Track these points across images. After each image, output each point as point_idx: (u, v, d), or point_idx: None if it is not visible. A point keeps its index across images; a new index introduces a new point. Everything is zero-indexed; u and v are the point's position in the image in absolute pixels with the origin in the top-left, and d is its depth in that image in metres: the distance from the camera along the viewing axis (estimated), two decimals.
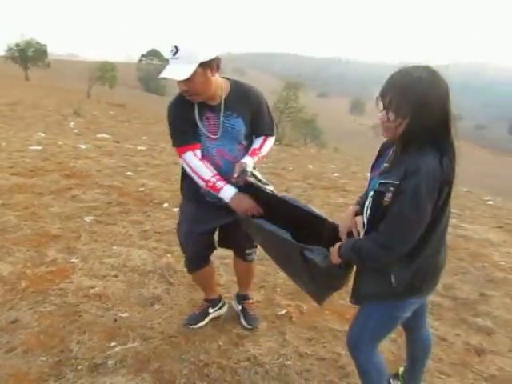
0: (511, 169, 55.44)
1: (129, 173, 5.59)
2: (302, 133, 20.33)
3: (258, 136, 2.08)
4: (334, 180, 7.86)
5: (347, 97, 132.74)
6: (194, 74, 1.72)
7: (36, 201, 4.05)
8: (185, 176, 2.05)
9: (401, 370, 2.00)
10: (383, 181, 1.39)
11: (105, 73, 35.66)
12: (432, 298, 2.95)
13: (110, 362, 1.99)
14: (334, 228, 1.68)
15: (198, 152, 1.92)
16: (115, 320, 2.34)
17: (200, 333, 2.33)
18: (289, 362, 2.17)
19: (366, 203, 1.48)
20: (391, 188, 1.34)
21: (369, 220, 1.46)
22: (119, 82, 40.82)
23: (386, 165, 1.46)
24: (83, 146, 7.41)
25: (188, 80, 1.73)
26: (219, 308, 2.49)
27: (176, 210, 4.34)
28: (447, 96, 1.32)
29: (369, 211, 1.45)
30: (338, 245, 1.54)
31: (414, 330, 1.83)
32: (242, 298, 2.52)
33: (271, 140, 2.12)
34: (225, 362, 2.11)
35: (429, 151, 1.34)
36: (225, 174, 1.92)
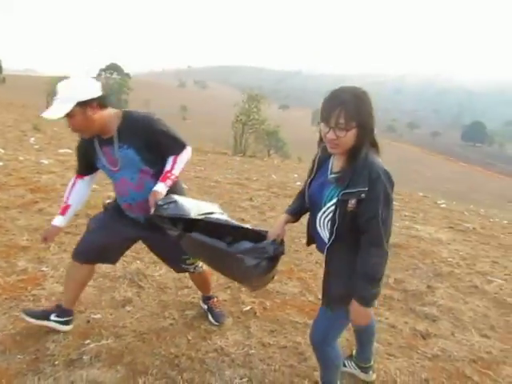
0: (464, 173, 58.46)
1: (95, 186, 5.65)
2: (265, 144, 20.72)
3: (167, 157, 2.12)
4: (297, 188, 8.18)
5: (308, 108, 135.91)
6: (73, 112, 1.88)
7: (2, 214, 4.07)
8: None
9: (354, 351, 2.26)
10: (349, 190, 1.52)
11: None
12: (383, 291, 3.26)
13: (85, 357, 2.13)
14: (261, 236, 1.87)
15: (86, 178, 2.29)
16: (88, 321, 2.47)
17: (170, 329, 2.50)
18: (253, 351, 2.38)
19: (322, 215, 1.64)
20: (362, 195, 1.49)
21: (337, 229, 1.57)
22: None
23: (334, 176, 1.61)
24: (46, 161, 7.36)
25: (69, 117, 1.91)
26: (62, 322, 2.32)
27: None
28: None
29: (336, 221, 1.56)
30: (354, 304, 1.60)
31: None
32: (206, 299, 2.71)
33: (183, 155, 2.13)
34: (194, 354, 2.29)
35: (374, 155, 1.55)
36: (132, 201, 2.14)
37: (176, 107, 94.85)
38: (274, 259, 1.81)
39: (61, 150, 9.52)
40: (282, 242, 1.84)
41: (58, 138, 12.53)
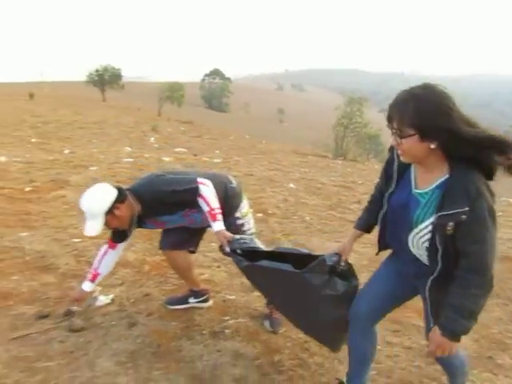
0: None
1: None
2: (365, 148, 20.19)
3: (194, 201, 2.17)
4: None
5: None
6: (107, 221, 2.09)
7: None
8: None
9: None
10: (445, 212, 1.32)
11: (173, 92, 38.02)
12: None
13: (226, 331, 2.39)
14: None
15: (118, 246, 2.41)
16: (224, 301, 2.76)
17: None
18: (379, 347, 2.43)
19: (415, 237, 1.45)
20: (462, 216, 1.28)
21: (442, 256, 1.39)
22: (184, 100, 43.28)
23: (419, 192, 1.43)
24: (167, 159, 8.17)
25: (107, 225, 2.12)
26: (201, 301, 2.63)
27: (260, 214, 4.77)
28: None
29: (439, 249, 1.38)
30: (437, 334, 1.43)
31: None
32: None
33: (204, 191, 2.14)
34: None
35: (466, 167, 1.32)
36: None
37: (273, 110, 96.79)
38: (341, 277, 1.76)
39: (176, 149, 10.44)
40: (345, 260, 1.81)
41: (173, 138, 13.75)
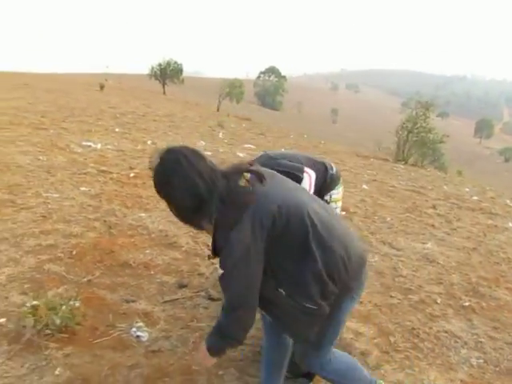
0: None
1: None
2: (421, 153, 19.57)
3: None
4: (476, 202, 7.82)
5: (471, 118, 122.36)
6: None
7: None
8: None
9: None
10: None
11: (233, 89, 38.92)
12: None
13: None
14: None
15: None
16: None
17: (399, 307, 2.91)
18: (482, 340, 2.62)
19: None
20: None
21: None
22: None
23: None
24: (241, 154, 8.58)
25: None
26: None
27: (343, 212, 4.97)
28: None
29: None
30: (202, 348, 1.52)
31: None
32: None
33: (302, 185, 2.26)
34: (428, 330, 2.65)
35: None
36: None
37: (327, 110, 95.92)
38: None
39: (246, 145, 10.85)
40: None
41: (238, 134, 14.19)
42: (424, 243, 4.41)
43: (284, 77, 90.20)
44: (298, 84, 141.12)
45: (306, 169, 2.35)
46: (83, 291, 2.51)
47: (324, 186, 2.47)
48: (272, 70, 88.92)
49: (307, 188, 2.28)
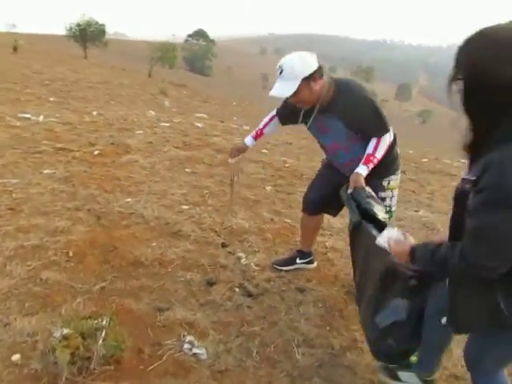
0: None
1: (264, 150, 6.15)
2: None
3: (369, 138, 2.15)
4: (431, 165, 8.17)
5: (392, 81, 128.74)
6: (299, 88, 1.99)
7: (209, 170, 4.66)
8: None
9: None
10: (465, 177, 1.14)
11: (165, 53, 36.63)
12: None
13: None
14: None
15: (279, 122, 2.48)
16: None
17: None
18: None
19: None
20: (467, 186, 1.10)
21: (451, 224, 1.24)
22: None
23: None
24: (199, 125, 8.03)
25: (294, 94, 2.02)
26: (306, 262, 2.72)
27: None
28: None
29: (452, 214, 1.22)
30: (408, 245, 1.34)
31: None
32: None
33: (385, 139, 2.14)
34: None
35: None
36: (341, 160, 2.29)
37: (257, 75, 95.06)
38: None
39: (197, 115, 10.24)
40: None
41: (183, 102, 13.43)
42: (417, 211, 4.42)
43: (213, 41, 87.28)
44: (226, 48, 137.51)
45: (390, 127, 2.17)
46: (104, 303, 2.07)
47: (387, 163, 2.23)
48: (200, 34, 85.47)
49: (383, 148, 2.13)
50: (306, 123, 2.28)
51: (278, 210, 3.77)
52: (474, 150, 1.12)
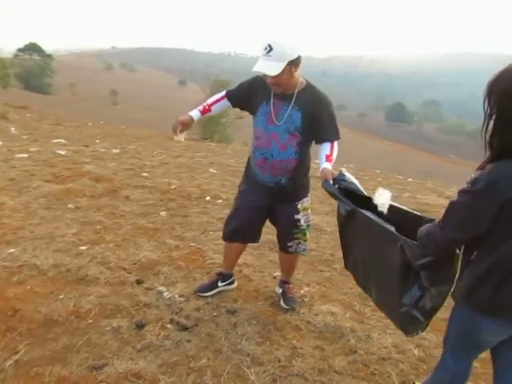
0: (391, 152, 63.07)
1: (144, 174, 5.97)
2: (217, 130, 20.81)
3: (323, 141, 2.29)
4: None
5: None
6: (283, 70, 2.05)
7: (95, 202, 4.36)
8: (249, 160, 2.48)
9: None
10: None
11: None
12: None
13: (305, 299, 2.74)
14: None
15: (228, 103, 2.45)
16: (274, 278, 3.06)
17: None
18: None
19: None
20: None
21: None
22: None
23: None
24: (62, 152, 7.33)
25: (275, 79, 2.09)
26: (228, 283, 2.74)
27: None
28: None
29: None
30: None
31: (499, 365, 1.52)
32: (283, 283, 2.73)
33: (336, 145, 2.29)
34: None
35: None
36: (270, 157, 2.28)
37: (105, 91, 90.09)
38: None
39: (55, 140, 9.30)
40: None
41: (32, 127, 11.98)
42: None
43: (50, 56, 79.62)
44: (67, 63, 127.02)
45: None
46: (26, 379, 1.80)
47: (304, 183, 2.45)
48: (33, 48, 77.10)
49: (336, 153, 2.28)
50: (256, 109, 2.30)
51: (179, 235, 3.74)
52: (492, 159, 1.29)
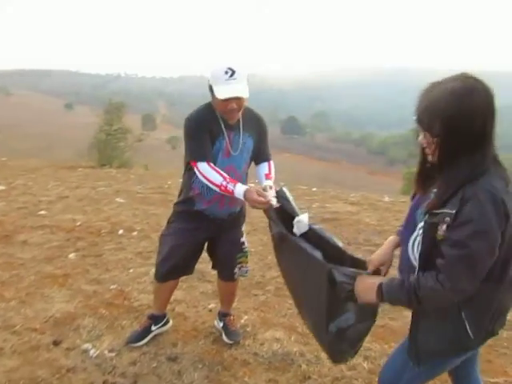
0: (290, 163, 66.41)
1: (41, 212, 5.32)
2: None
3: (261, 161, 2.28)
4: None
5: (136, 113, 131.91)
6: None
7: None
8: (184, 188, 2.26)
9: None
10: (436, 211, 1.19)
11: None
12: None
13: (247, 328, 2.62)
14: (353, 262, 1.55)
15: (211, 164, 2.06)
16: (210, 310, 2.89)
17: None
18: None
19: (413, 236, 1.32)
20: (447, 218, 1.16)
21: (421, 255, 1.25)
22: None
23: (434, 191, 1.27)
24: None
25: (238, 100, 1.96)
26: (162, 325, 2.53)
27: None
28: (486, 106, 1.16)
29: (420, 246, 1.25)
30: (375, 281, 1.31)
31: (463, 377, 1.54)
32: (223, 315, 2.58)
33: (272, 163, 2.31)
34: None
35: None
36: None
37: None
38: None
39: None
40: (385, 275, 1.48)
41: None
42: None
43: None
44: None
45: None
46: None
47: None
48: None
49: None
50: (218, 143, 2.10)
51: (95, 278, 3.36)
52: (446, 185, 1.21)
